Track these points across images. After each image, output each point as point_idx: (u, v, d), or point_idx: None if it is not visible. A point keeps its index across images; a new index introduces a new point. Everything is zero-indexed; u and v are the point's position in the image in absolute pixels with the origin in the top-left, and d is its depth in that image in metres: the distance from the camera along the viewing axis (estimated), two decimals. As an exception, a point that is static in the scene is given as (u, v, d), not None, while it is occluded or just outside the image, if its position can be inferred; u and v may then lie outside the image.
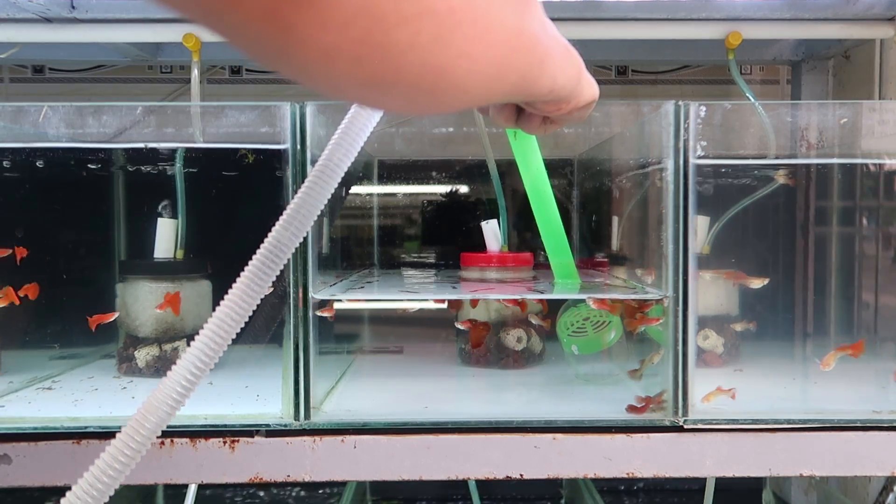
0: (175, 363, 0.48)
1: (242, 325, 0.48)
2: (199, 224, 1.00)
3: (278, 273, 0.49)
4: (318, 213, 0.49)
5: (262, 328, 0.87)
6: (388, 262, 1.26)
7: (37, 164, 0.93)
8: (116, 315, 0.93)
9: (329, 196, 0.50)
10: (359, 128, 0.49)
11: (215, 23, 0.30)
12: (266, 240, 0.49)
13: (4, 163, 0.91)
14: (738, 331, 1.00)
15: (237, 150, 0.93)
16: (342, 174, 0.49)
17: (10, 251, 0.89)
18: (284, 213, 0.49)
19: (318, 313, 0.78)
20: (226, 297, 0.48)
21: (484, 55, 0.34)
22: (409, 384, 0.91)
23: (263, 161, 0.77)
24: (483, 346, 0.98)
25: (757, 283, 0.97)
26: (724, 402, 0.79)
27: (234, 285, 0.48)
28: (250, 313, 0.48)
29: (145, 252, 0.99)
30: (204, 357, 0.47)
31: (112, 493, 0.47)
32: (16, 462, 0.73)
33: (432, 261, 1.26)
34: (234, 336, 0.48)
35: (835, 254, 1.11)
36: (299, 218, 0.48)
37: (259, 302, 0.48)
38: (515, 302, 0.98)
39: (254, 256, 0.48)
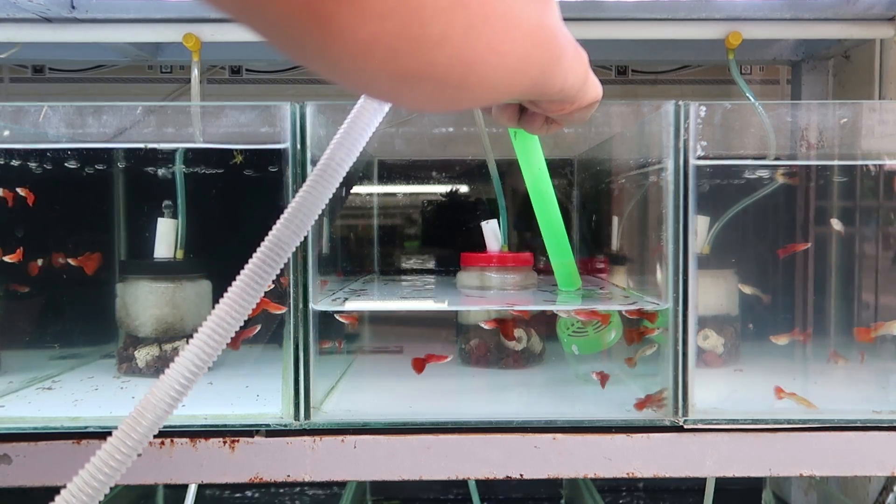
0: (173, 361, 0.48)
1: (241, 324, 0.48)
2: (200, 224, 1.00)
3: (278, 272, 0.48)
4: (320, 212, 0.49)
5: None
6: (388, 261, 1.25)
7: (36, 164, 0.93)
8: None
9: (330, 195, 0.49)
10: (361, 127, 0.49)
11: (253, 17, 0.30)
12: (266, 239, 0.48)
13: (4, 163, 0.91)
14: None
15: (238, 149, 0.93)
16: (344, 173, 0.49)
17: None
18: (285, 212, 0.48)
19: (340, 317, 0.77)
20: (225, 295, 0.48)
21: (510, 49, 0.35)
22: (409, 384, 0.91)
23: (264, 160, 0.77)
24: (486, 347, 0.98)
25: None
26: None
27: (233, 284, 0.48)
28: (249, 312, 0.48)
29: (145, 252, 0.99)
30: (202, 355, 0.47)
31: (106, 492, 0.47)
32: (16, 462, 0.73)
33: (432, 260, 1.26)
34: (232, 334, 0.48)
35: (835, 254, 1.11)
36: (300, 217, 0.48)
37: (258, 301, 0.48)
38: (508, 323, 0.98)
39: (254, 255, 0.48)
